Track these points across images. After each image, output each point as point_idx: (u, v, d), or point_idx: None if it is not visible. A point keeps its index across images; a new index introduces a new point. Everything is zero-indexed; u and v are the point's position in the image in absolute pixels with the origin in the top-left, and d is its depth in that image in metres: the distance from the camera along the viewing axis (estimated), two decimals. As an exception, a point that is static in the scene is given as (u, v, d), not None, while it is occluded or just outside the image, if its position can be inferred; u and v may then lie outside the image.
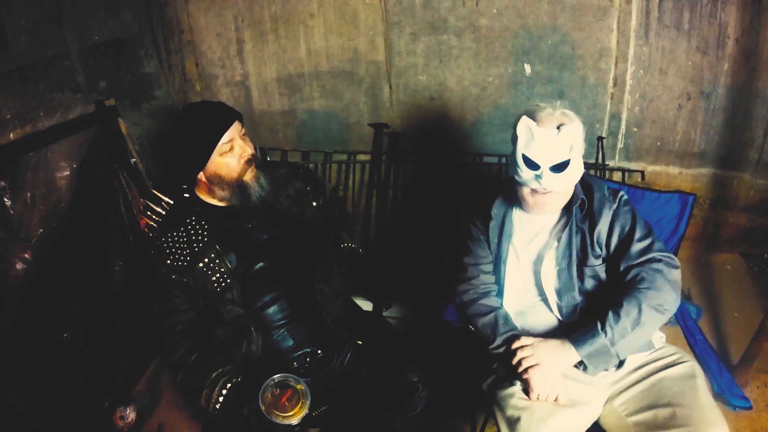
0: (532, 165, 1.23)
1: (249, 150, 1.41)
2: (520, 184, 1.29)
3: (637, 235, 1.29)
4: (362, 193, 2.65)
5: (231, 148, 1.37)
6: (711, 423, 1.11)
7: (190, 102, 1.36)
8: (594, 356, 1.22)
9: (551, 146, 1.22)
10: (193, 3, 2.44)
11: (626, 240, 1.30)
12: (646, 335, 1.23)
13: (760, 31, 2.07)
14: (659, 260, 1.26)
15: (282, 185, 1.55)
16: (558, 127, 1.23)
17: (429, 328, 2.02)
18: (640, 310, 1.20)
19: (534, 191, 1.28)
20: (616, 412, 1.25)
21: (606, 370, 1.26)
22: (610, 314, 1.21)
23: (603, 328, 1.21)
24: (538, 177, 1.23)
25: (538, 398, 1.22)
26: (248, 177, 1.41)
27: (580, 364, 1.24)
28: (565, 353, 1.23)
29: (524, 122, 1.25)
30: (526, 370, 1.24)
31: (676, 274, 1.27)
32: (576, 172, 1.24)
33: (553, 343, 1.25)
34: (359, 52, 2.42)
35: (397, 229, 2.62)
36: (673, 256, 1.29)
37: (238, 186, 1.41)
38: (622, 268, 1.29)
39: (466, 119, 2.47)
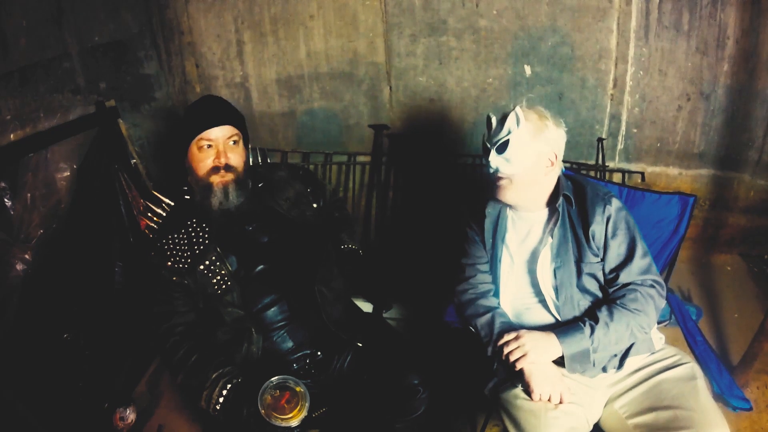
0: (486, 148, 1.34)
1: (224, 160, 1.40)
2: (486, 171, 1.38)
3: (640, 251, 1.32)
4: (362, 194, 2.65)
5: (210, 147, 1.39)
6: (712, 424, 1.12)
7: (190, 103, 1.40)
8: (575, 358, 1.25)
9: (496, 130, 1.32)
10: (193, 4, 2.44)
11: (629, 254, 1.32)
12: (619, 349, 1.29)
13: (759, 32, 2.08)
14: (653, 286, 1.31)
15: (282, 187, 1.55)
16: (506, 115, 1.30)
17: (430, 329, 2.02)
18: (626, 329, 1.25)
19: (492, 176, 1.35)
20: (617, 414, 1.26)
21: (582, 373, 1.28)
22: (601, 324, 1.25)
23: (591, 334, 1.24)
24: (488, 158, 1.33)
25: (540, 399, 1.22)
26: (215, 180, 1.41)
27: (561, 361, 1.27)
28: (550, 344, 1.26)
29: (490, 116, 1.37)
30: (517, 360, 1.25)
31: (662, 303, 1.33)
32: (518, 156, 1.28)
33: (540, 334, 1.28)
34: (359, 53, 2.42)
35: (397, 230, 2.62)
36: (664, 284, 1.35)
37: (202, 184, 1.42)
38: (621, 280, 1.31)
39: (466, 120, 2.47)
